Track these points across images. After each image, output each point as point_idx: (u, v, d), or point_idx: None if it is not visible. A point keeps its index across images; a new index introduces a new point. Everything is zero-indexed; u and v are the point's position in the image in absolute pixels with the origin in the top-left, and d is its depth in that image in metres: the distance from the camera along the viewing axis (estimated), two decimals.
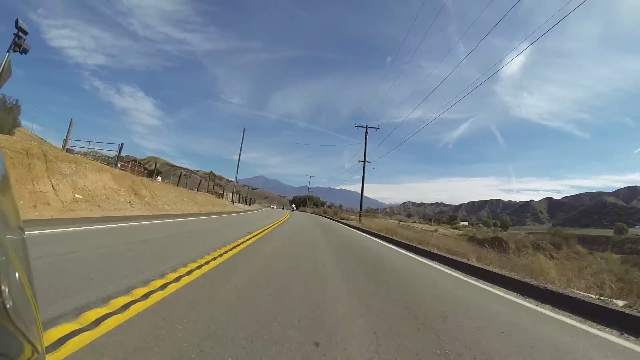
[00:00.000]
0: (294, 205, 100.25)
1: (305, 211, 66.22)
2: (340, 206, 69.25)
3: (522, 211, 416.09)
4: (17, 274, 0.57)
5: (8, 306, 0.48)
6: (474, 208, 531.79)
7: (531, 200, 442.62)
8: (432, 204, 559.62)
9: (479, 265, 6.31)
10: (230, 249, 5.82)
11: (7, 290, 0.49)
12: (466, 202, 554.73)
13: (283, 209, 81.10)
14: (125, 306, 2.43)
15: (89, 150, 22.38)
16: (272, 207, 73.09)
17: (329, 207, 75.35)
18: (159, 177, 32.01)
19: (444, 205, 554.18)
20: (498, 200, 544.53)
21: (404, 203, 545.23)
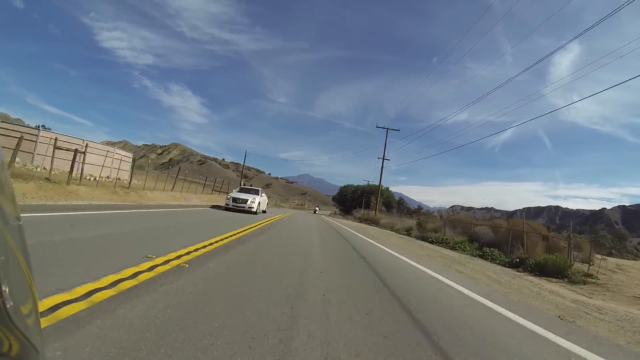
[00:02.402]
0: (317, 207, 71.42)
1: (377, 225, 30.62)
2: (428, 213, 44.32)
3: (593, 221, 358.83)
4: (17, 273, 0.56)
5: (8, 306, 0.48)
6: (530, 214, 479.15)
7: (604, 209, 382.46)
8: (481, 208, 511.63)
9: None
10: None
11: (7, 290, 0.48)
12: (521, 207, 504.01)
13: (314, 212, 55.24)
14: None
15: None
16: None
17: (418, 211, 49.59)
18: None
19: (495, 210, 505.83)
20: (557, 207, 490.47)
21: (452, 207, 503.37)
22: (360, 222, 35.53)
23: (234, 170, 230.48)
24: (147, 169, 29.64)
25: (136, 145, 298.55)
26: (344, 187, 67.48)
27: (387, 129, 35.54)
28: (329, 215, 57.00)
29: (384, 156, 35.37)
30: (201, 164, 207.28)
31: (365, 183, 57.82)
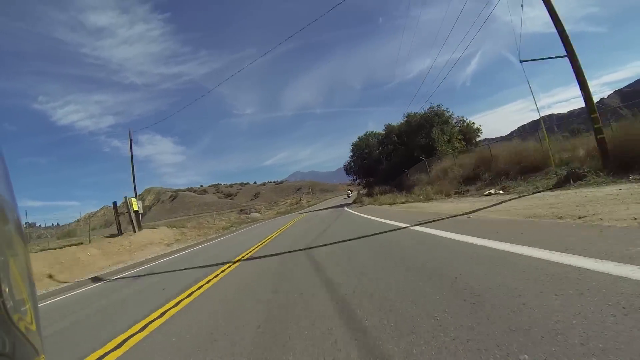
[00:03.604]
0: (349, 191, 59.81)
1: None
2: None
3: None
4: (17, 274, 0.55)
5: (8, 306, 0.48)
6: (527, 131, 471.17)
7: (602, 99, 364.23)
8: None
9: None
10: None
11: (7, 290, 0.48)
12: (515, 128, 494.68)
13: (348, 196, 44.03)
14: None
15: None
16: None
17: None
18: None
19: (489, 139, 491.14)
20: (550, 116, 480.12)
21: None
22: None
23: (214, 193, 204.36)
24: None
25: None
26: (361, 140, 35.90)
27: None
28: (354, 202, 30.22)
29: None
30: (172, 200, 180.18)
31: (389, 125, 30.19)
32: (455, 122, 26.61)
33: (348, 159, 37.82)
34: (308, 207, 59.46)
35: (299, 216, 25.37)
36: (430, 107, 25.97)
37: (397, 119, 40.46)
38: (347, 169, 38.24)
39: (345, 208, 23.82)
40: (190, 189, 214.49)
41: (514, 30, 11.13)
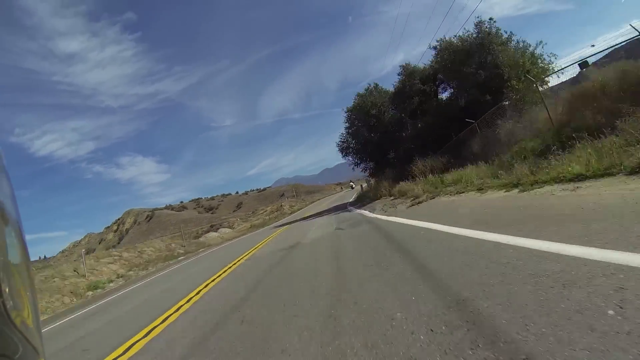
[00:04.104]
0: (352, 183, 65.09)
1: None
2: None
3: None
4: (17, 274, 0.55)
5: (8, 306, 0.47)
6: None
7: (581, 72, 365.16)
8: None
9: None
10: None
11: (7, 290, 0.48)
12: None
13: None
14: None
15: None
16: None
17: None
18: None
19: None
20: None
21: None
22: None
23: (194, 208, 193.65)
24: None
25: (99, 233, 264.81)
26: (362, 97, 22.30)
27: None
28: (367, 200, 17.72)
29: None
30: (149, 220, 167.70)
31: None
32: (516, 50, 15.71)
33: (343, 132, 24.17)
34: (291, 214, 46.55)
35: (268, 238, 13.90)
36: (478, 22, 15.02)
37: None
38: (344, 149, 24.27)
39: (367, 212, 11.56)
40: (168, 207, 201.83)
41: None
